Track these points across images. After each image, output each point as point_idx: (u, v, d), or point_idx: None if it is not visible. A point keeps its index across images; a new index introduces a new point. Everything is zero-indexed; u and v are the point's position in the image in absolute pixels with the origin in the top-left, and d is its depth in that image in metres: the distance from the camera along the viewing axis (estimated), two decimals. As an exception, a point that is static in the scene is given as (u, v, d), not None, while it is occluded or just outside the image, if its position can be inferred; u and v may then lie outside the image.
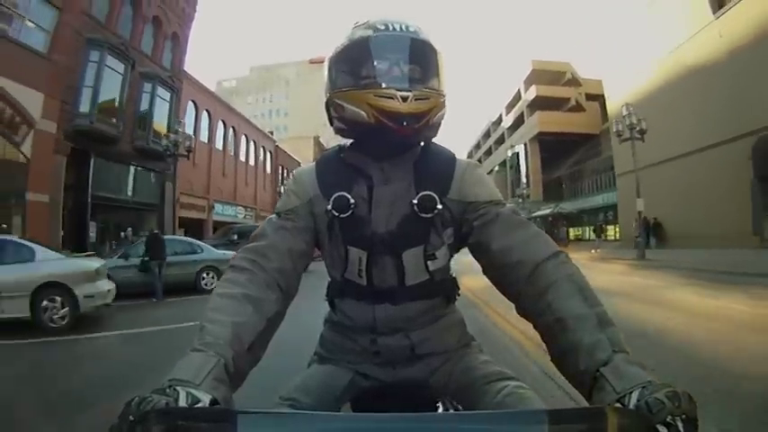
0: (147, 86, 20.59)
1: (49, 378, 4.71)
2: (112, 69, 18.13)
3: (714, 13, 20.02)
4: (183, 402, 0.72)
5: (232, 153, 30.73)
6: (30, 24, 15.28)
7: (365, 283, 1.18)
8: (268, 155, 37.79)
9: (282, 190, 1.32)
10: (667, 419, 0.65)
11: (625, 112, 18.33)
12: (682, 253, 17.91)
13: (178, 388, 0.73)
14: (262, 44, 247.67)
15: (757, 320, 5.98)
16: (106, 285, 7.98)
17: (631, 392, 0.72)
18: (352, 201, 1.13)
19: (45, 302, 7.03)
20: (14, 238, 8.23)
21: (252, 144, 34.31)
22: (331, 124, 1.21)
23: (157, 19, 22.15)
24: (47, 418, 3.48)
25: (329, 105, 1.18)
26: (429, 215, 1.12)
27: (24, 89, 14.57)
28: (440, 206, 1.12)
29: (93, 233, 17.58)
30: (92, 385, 4.27)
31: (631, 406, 0.71)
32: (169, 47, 23.47)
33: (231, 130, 30.40)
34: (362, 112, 1.08)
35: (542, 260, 1.00)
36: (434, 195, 1.12)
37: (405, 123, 1.06)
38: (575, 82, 45.54)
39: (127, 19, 20.11)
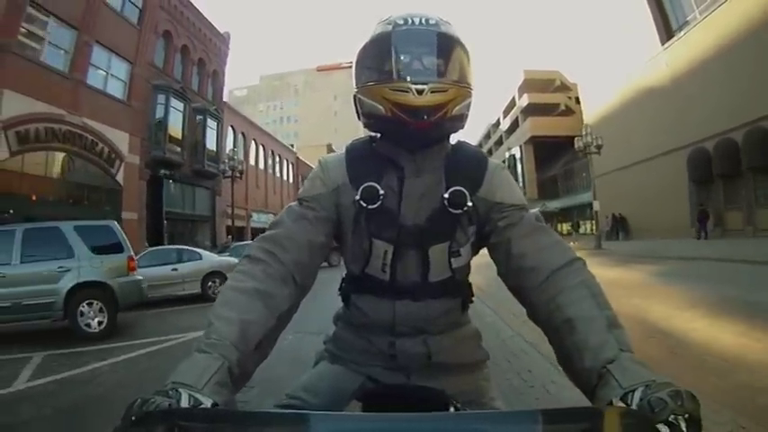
0: (200, 118, 24.86)
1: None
2: (175, 108, 22.48)
3: (663, 44, 24.28)
4: (185, 404, 0.73)
5: (262, 167, 35.43)
6: (112, 78, 19.45)
7: (388, 278, 1.15)
8: (290, 166, 42.37)
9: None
10: (670, 419, 0.65)
11: (584, 132, 22.67)
12: (635, 243, 22.42)
13: (180, 390, 0.74)
14: (270, 53, 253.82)
15: (622, 282, 10.33)
16: (242, 272, 12.89)
17: (634, 390, 0.73)
18: (381, 191, 1.11)
19: (210, 283, 11.59)
20: (187, 247, 13.01)
21: (277, 158, 39.02)
22: (359, 119, 1.18)
23: (201, 60, 26.48)
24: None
25: (354, 101, 1.17)
26: (458, 211, 1.10)
27: (115, 131, 18.75)
28: (470, 203, 1.10)
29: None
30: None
31: (634, 405, 0.71)
32: (211, 82, 27.87)
33: (261, 147, 35.12)
34: (380, 107, 1.07)
35: (558, 267, 1.00)
36: (465, 192, 1.11)
37: (421, 116, 1.04)
38: (564, 87, 49.08)
39: (178, 63, 24.41)
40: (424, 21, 1.10)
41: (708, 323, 5.55)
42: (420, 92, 1.03)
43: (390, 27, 1.10)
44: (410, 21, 1.09)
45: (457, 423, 0.75)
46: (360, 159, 1.18)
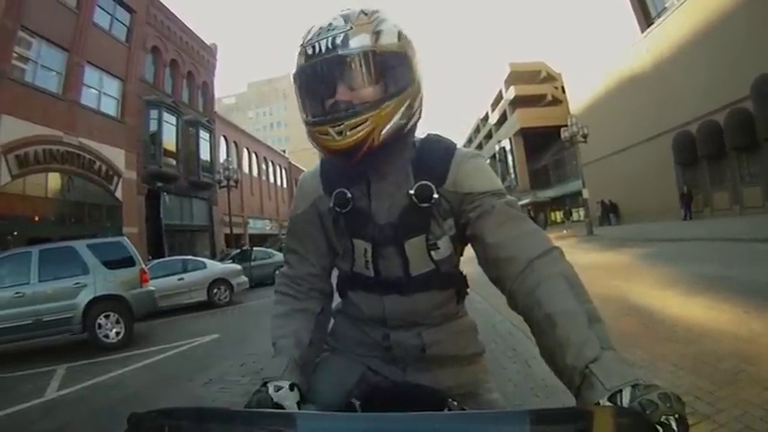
0: (192, 131, 25.18)
1: (232, 327, 9.45)
2: (168, 122, 22.80)
3: (642, 31, 24.78)
4: (271, 390, 0.98)
5: (256, 174, 35.97)
6: (105, 96, 19.72)
7: (372, 274, 1.19)
8: (283, 171, 42.88)
9: None
10: (662, 419, 0.67)
11: (569, 123, 23.23)
12: (626, 227, 22.94)
13: (268, 382, 1.02)
14: (256, 60, 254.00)
15: (608, 265, 10.83)
16: (245, 278, 13.26)
17: (621, 391, 0.74)
18: (349, 195, 1.16)
19: (215, 290, 12.11)
20: (192, 257, 13.41)
21: (270, 164, 39.54)
22: None
23: (191, 73, 26.82)
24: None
25: None
26: (427, 204, 1.10)
27: (111, 148, 19.07)
28: (436, 195, 1.10)
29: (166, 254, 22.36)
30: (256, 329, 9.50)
31: (624, 405, 0.72)
32: (201, 94, 28.20)
33: (254, 155, 35.64)
34: (318, 147, 1.07)
35: (535, 257, 0.98)
36: (431, 185, 1.10)
37: (348, 157, 1.04)
38: (550, 78, 49.27)
39: (168, 77, 24.72)
40: (330, 44, 1.01)
41: (682, 300, 6.01)
42: (339, 133, 1.01)
43: (302, 59, 1.04)
44: (317, 48, 1.01)
45: (446, 423, 0.76)
46: (331, 169, 1.21)
